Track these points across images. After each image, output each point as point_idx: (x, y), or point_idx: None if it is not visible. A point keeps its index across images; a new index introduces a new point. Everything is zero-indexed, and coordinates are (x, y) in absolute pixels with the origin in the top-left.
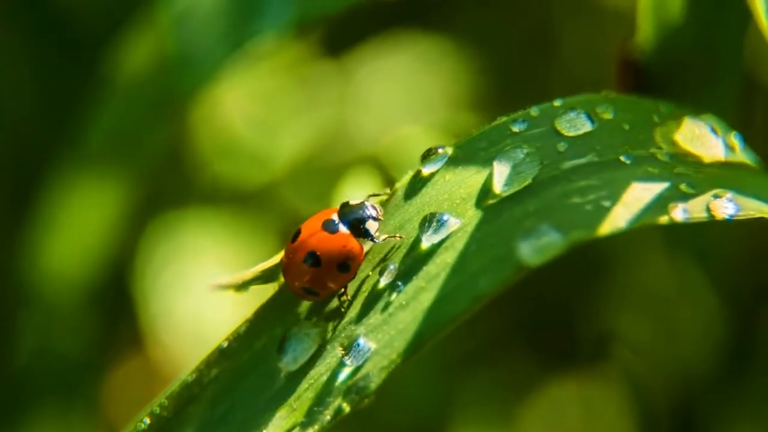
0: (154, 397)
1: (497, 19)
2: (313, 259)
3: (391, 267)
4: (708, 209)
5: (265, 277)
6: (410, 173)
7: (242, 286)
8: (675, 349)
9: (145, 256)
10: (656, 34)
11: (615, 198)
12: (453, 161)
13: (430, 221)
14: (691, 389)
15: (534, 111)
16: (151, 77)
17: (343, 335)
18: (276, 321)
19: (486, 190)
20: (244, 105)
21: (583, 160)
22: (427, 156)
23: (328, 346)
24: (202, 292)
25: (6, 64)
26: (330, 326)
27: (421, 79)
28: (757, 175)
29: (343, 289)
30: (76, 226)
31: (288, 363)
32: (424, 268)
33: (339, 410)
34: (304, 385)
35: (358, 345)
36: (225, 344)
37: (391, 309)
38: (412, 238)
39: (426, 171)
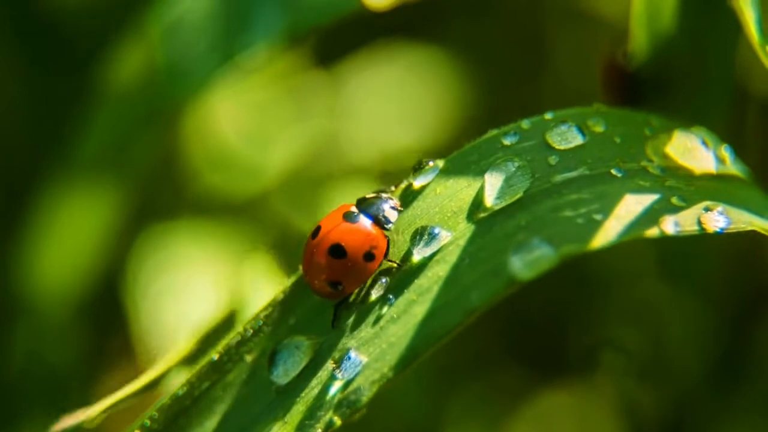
0: (145, 408)
1: (489, 29)
2: (339, 250)
3: (383, 280)
4: (699, 222)
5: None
6: (401, 186)
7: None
8: (665, 360)
9: (136, 267)
10: (649, 43)
11: (606, 211)
12: (444, 174)
13: (421, 234)
14: (681, 400)
15: (525, 124)
16: (141, 88)
17: (334, 348)
18: (267, 334)
19: (477, 203)
20: (235, 116)
21: (574, 174)
22: (418, 169)
23: (319, 360)
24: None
25: None
26: (321, 339)
27: (412, 89)
28: (747, 188)
29: (367, 282)
30: (67, 237)
31: (279, 376)
32: (416, 281)
33: (330, 424)
34: (295, 398)
35: (349, 358)
36: (216, 357)
37: (382, 322)
38: (404, 252)
39: (417, 184)
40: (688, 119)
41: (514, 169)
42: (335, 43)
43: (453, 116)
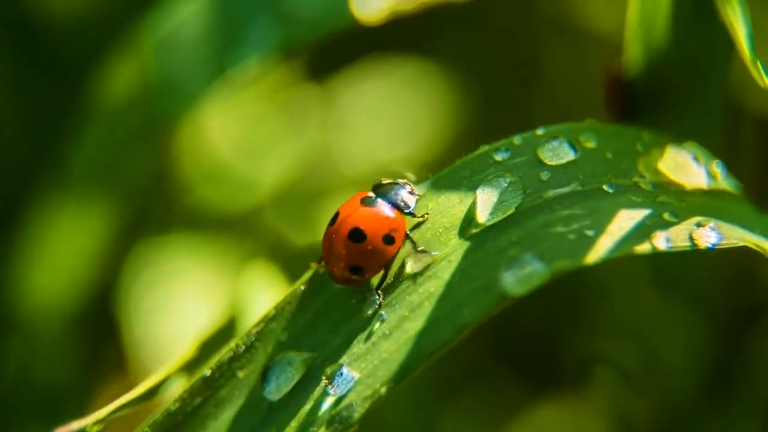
0: (138, 422)
1: (481, 43)
2: (358, 234)
3: (376, 297)
4: (691, 238)
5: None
6: None
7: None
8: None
9: (130, 280)
10: (643, 56)
11: (598, 227)
12: (436, 190)
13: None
14: (675, 413)
15: (517, 139)
16: (134, 103)
17: (326, 364)
18: (260, 350)
19: (469, 219)
20: (228, 129)
21: (566, 189)
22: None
23: (312, 376)
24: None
25: None
26: (314, 356)
27: (405, 103)
28: (739, 203)
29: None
30: (60, 251)
31: (271, 392)
32: (408, 297)
33: None
34: (287, 414)
35: (342, 374)
36: (208, 373)
37: (374, 338)
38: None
39: None
40: (682, 133)
41: (506, 184)
42: (328, 57)
43: (445, 130)
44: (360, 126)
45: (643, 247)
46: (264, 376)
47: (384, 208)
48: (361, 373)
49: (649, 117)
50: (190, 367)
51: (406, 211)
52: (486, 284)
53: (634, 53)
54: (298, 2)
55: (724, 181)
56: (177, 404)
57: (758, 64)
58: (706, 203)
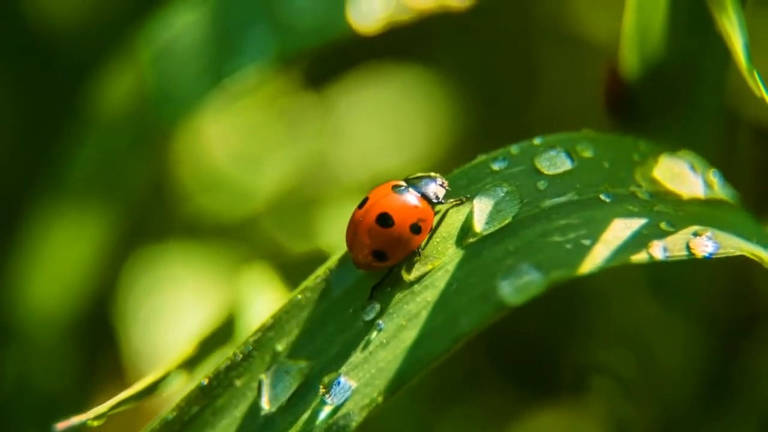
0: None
1: (478, 52)
2: (386, 219)
3: (373, 305)
4: (688, 247)
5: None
6: None
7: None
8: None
9: (127, 288)
10: (640, 65)
11: (595, 237)
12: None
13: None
14: (672, 421)
15: (514, 149)
16: (131, 111)
17: (323, 373)
18: (257, 359)
19: (466, 228)
20: (225, 138)
21: (563, 199)
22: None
23: (309, 385)
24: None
25: None
26: (311, 364)
27: (402, 111)
28: (735, 213)
29: (411, 256)
30: (57, 260)
31: (268, 401)
32: (405, 306)
33: None
34: (284, 423)
35: (339, 383)
36: (206, 382)
37: (371, 347)
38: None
39: None
40: (679, 142)
41: (503, 194)
42: (326, 65)
43: (443, 138)
44: (357, 134)
45: (640, 257)
46: (261, 385)
47: (414, 197)
48: (359, 382)
49: (647, 122)
50: (188, 365)
51: (435, 202)
52: (483, 293)
53: (630, 61)
54: (296, 12)
55: (720, 191)
56: (174, 413)
57: (755, 73)
58: (703, 212)
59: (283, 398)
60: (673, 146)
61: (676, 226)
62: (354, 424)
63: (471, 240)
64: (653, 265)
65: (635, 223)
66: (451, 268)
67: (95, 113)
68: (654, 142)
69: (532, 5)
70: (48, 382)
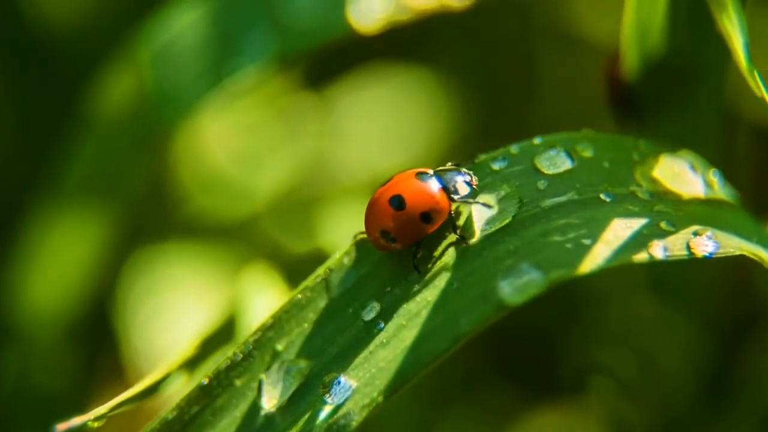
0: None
1: (478, 51)
2: (399, 202)
3: (373, 304)
4: (688, 247)
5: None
6: None
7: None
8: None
9: (127, 289)
10: (639, 64)
11: (595, 236)
12: None
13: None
14: (671, 421)
15: (514, 149)
16: (131, 112)
17: (323, 373)
18: (257, 359)
19: (467, 228)
20: (225, 138)
21: (563, 198)
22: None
23: (309, 384)
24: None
25: None
26: (311, 364)
27: (402, 111)
28: (735, 212)
29: (417, 247)
30: (56, 261)
31: (269, 401)
32: (405, 306)
33: None
34: (284, 423)
35: (339, 383)
36: (206, 381)
37: (372, 347)
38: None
39: None
40: (679, 140)
41: (503, 194)
42: (325, 65)
43: (443, 138)
44: (357, 134)
45: (640, 256)
46: (261, 385)
47: (433, 186)
48: (359, 381)
49: (647, 120)
50: (189, 365)
51: (454, 196)
52: (483, 293)
53: (630, 60)
54: (296, 12)
55: (721, 190)
56: (174, 413)
57: (755, 73)
58: (703, 212)
59: (284, 398)
60: (673, 146)
61: (677, 225)
62: (354, 424)
63: (471, 240)
64: (653, 264)
65: (635, 223)
66: (451, 267)
67: (95, 113)
68: (654, 141)
69: (532, 5)
70: (48, 382)
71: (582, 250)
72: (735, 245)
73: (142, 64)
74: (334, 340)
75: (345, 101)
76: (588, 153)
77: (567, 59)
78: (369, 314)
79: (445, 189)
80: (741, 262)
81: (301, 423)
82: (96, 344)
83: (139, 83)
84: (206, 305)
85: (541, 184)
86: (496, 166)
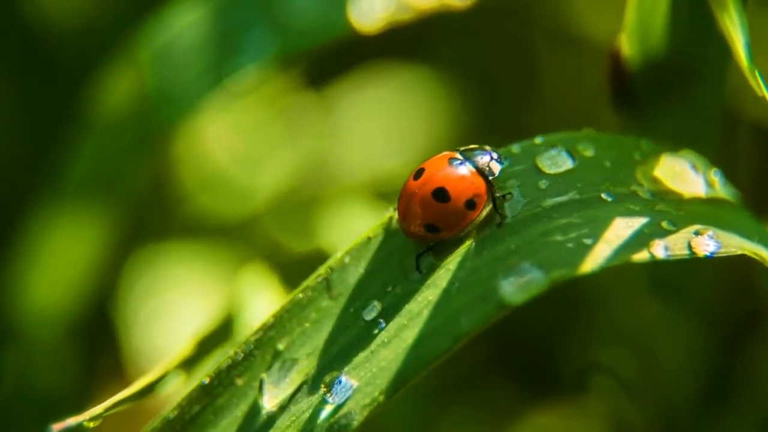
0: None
1: (479, 51)
2: (442, 194)
3: (375, 304)
4: (689, 246)
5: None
6: (391, 210)
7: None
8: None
9: (127, 288)
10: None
11: (596, 236)
12: None
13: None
14: (672, 420)
15: (515, 148)
16: (131, 112)
17: (324, 372)
18: (258, 358)
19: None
20: (225, 138)
21: (564, 198)
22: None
23: (310, 384)
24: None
25: None
26: (312, 363)
27: (402, 111)
28: (737, 212)
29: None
30: (57, 261)
31: (270, 400)
32: (406, 305)
33: None
34: (285, 422)
35: (340, 382)
36: (207, 381)
37: (373, 346)
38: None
39: None
40: (679, 139)
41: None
42: (326, 65)
43: (444, 138)
44: (358, 134)
45: (642, 256)
46: (262, 384)
47: (470, 171)
48: (360, 381)
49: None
50: (187, 365)
51: (490, 177)
52: (484, 293)
53: (632, 58)
54: (296, 12)
55: (722, 190)
56: (175, 412)
57: (756, 73)
58: (704, 212)
59: (285, 397)
60: (674, 145)
61: (678, 225)
62: (355, 423)
63: (472, 239)
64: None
65: (637, 222)
66: (452, 267)
67: (95, 114)
68: (655, 141)
69: (532, 5)
70: (48, 382)
71: (583, 250)
72: (736, 245)
73: (143, 64)
74: (335, 340)
75: (345, 101)
76: (589, 152)
77: (568, 59)
78: (370, 314)
79: (480, 171)
80: (742, 261)
81: (302, 422)
82: (97, 344)
83: (140, 83)
84: (207, 305)
85: (543, 184)
86: None
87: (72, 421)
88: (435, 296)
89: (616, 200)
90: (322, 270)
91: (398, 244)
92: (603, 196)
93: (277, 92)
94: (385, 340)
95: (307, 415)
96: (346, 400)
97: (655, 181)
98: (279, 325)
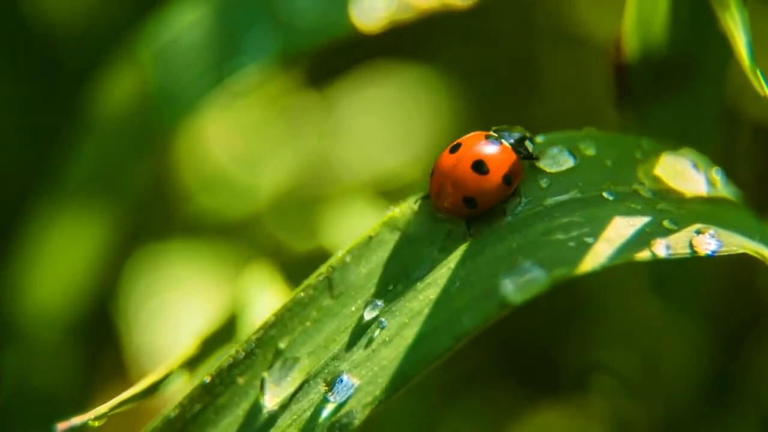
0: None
1: (480, 50)
2: (482, 166)
3: (377, 303)
4: (690, 245)
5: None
6: (393, 209)
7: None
8: (658, 380)
9: (128, 288)
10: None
11: (598, 235)
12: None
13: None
14: (674, 420)
15: None
16: (132, 111)
17: (326, 371)
18: (259, 356)
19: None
20: (227, 137)
21: (565, 197)
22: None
23: (312, 382)
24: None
25: None
26: (313, 362)
27: (403, 110)
28: (738, 211)
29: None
30: (58, 260)
31: (271, 399)
32: (408, 304)
33: None
34: (287, 421)
35: (342, 381)
36: (208, 379)
37: (374, 345)
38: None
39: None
40: (680, 137)
41: None
42: (327, 64)
43: (445, 136)
44: (359, 133)
45: (643, 255)
46: (263, 383)
47: (507, 148)
48: (361, 379)
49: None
50: (190, 365)
51: (524, 156)
52: (485, 291)
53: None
54: (298, 11)
55: (723, 189)
56: (176, 411)
57: (758, 72)
58: (705, 210)
59: (286, 396)
60: (675, 144)
61: (679, 224)
62: (357, 422)
63: (474, 238)
64: (656, 263)
65: (638, 221)
66: (453, 265)
67: (96, 113)
68: (656, 139)
69: (533, 5)
70: (49, 381)
71: (584, 249)
72: (738, 243)
73: (144, 64)
74: (337, 338)
75: (347, 100)
76: (590, 151)
77: (569, 58)
78: (371, 312)
79: (515, 149)
80: (744, 260)
81: (303, 421)
82: (98, 343)
83: (141, 82)
84: (208, 304)
85: (544, 183)
86: None
87: (77, 420)
88: (436, 295)
89: (618, 199)
90: (323, 269)
91: (400, 242)
92: (604, 194)
93: (278, 91)
94: (387, 338)
95: (308, 413)
96: (348, 398)
97: (656, 179)
98: (280, 323)
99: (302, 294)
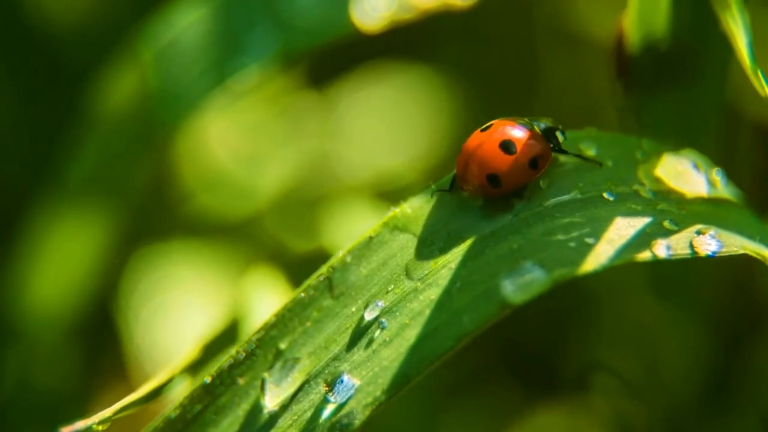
0: (138, 429)
1: (481, 50)
2: (510, 146)
3: (377, 303)
4: (691, 246)
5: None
6: (393, 209)
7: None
8: (659, 380)
9: (129, 288)
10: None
11: (598, 235)
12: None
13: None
14: (674, 420)
15: None
16: (133, 111)
17: (326, 371)
18: (259, 357)
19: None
20: (228, 137)
21: (566, 197)
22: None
23: (312, 383)
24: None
25: None
26: (314, 362)
27: (404, 110)
28: (739, 211)
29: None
30: (58, 260)
31: (271, 399)
32: (408, 304)
33: None
34: (287, 421)
35: (342, 381)
36: (209, 380)
37: (374, 345)
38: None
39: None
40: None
41: None
42: (328, 64)
43: (445, 137)
44: (360, 133)
45: (644, 255)
46: (264, 383)
47: (538, 133)
48: (362, 380)
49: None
50: (193, 368)
51: (553, 146)
52: (486, 292)
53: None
54: (299, 11)
55: (724, 189)
56: (177, 411)
57: (758, 72)
58: (706, 211)
59: (286, 396)
60: (676, 144)
61: (680, 224)
62: (357, 423)
63: (474, 238)
64: (656, 263)
65: (639, 222)
66: (454, 265)
67: (97, 113)
68: (657, 140)
69: (534, 4)
70: (50, 382)
71: (585, 249)
72: (738, 244)
73: (145, 63)
74: (337, 339)
75: (348, 100)
76: (591, 152)
77: (570, 58)
78: (372, 313)
79: (546, 137)
80: (744, 261)
81: (303, 421)
82: (98, 343)
83: (142, 82)
84: (209, 304)
85: (544, 183)
86: None
87: (81, 424)
88: (437, 295)
89: (618, 199)
90: (323, 269)
91: (400, 242)
92: (605, 195)
93: (279, 91)
94: (387, 339)
95: (308, 414)
96: (348, 399)
97: (657, 180)
98: (281, 324)
99: (303, 294)
